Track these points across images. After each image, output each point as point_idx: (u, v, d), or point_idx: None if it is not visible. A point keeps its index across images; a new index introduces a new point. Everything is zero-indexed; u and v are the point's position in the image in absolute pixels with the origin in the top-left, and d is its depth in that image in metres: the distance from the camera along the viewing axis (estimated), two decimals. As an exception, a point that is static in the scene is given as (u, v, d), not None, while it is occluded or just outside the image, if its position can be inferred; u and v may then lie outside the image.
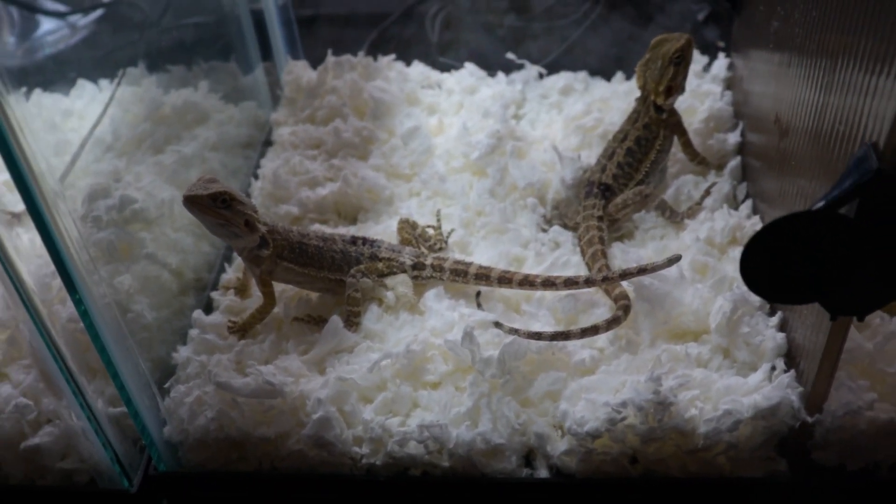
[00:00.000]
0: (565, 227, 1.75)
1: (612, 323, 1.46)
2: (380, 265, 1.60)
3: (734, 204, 1.74)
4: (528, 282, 1.54)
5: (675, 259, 1.44)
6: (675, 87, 1.75)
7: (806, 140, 1.36)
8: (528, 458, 1.42)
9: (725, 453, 1.36)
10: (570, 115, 1.99)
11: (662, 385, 1.33)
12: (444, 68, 2.23)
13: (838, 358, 1.28)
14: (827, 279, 1.15)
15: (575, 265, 1.65)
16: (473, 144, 1.86)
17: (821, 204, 1.10)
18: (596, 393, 1.39)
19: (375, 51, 2.32)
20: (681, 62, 1.73)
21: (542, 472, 1.40)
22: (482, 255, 1.70)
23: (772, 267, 1.14)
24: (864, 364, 1.37)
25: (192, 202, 1.45)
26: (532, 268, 1.66)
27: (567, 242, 1.71)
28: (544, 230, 1.75)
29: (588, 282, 1.51)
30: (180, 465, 1.44)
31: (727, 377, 1.41)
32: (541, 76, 2.17)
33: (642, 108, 1.80)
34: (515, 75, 2.17)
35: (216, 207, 1.46)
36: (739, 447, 1.35)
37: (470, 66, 2.18)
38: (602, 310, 1.53)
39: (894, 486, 1.36)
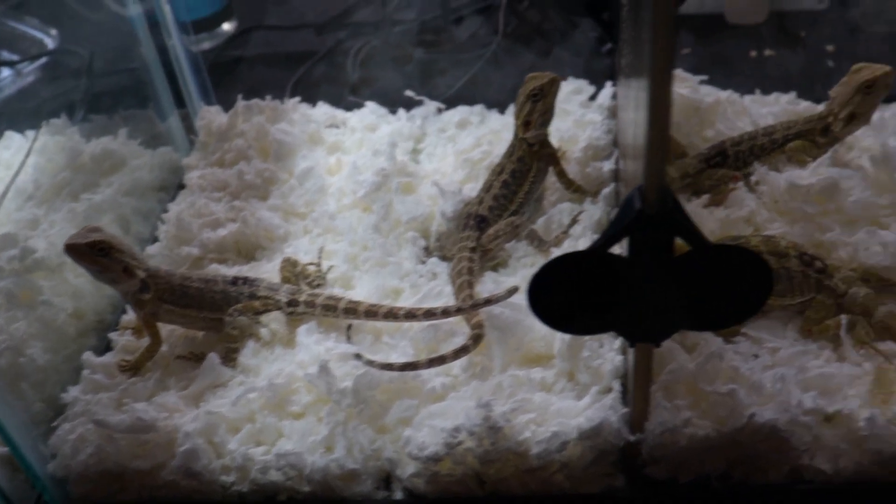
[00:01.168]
0: (444, 258, 1.88)
1: (459, 352, 1.59)
2: (256, 303, 1.74)
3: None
4: (392, 314, 1.67)
5: (512, 290, 1.57)
6: (533, 121, 1.87)
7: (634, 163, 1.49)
8: (388, 480, 1.55)
9: (560, 472, 1.48)
10: (460, 148, 2.13)
11: (493, 410, 1.46)
12: (356, 106, 2.37)
13: (648, 380, 1.41)
14: (617, 311, 1.28)
15: (447, 295, 1.77)
16: (360, 182, 1.99)
17: (595, 243, 1.23)
18: (440, 419, 1.51)
19: (300, 90, 2.47)
20: (538, 99, 1.86)
21: (398, 494, 1.52)
22: (364, 288, 1.83)
23: (562, 301, 1.27)
24: (687, 383, 1.49)
25: (71, 250, 1.61)
26: (408, 299, 1.79)
27: (443, 273, 1.84)
28: (423, 262, 1.88)
29: (445, 313, 1.64)
30: (68, 499, 1.58)
31: (564, 400, 1.54)
32: (439, 111, 2.31)
33: (516, 141, 1.94)
34: (416, 111, 2.30)
35: (94, 255, 1.61)
36: (572, 466, 1.47)
37: (371, 105, 2.32)
38: (460, 338, 1.66)
39: (723, 495, 1.48)
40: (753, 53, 2.44)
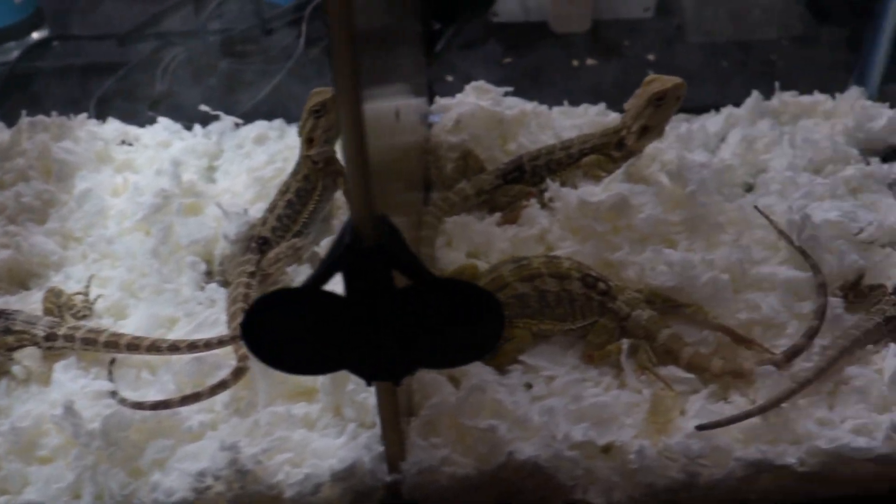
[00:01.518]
0: (225, 284, 1.77)
1: (217, 388, 1.48)
2: (10, 339, 1.60)
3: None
4: (155, 347, 1.55)
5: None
6: (316, 138, 1.77)
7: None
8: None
9: (316, 516, 1.37)
10: (253, 165, 2.01)
11: (241, 452, 1.35)
12: (154, 122, 2.23)
13: (396, 418, 1.31)
14: (343, 349, 1.18)
15: (223, 324, 1.66)
16: (140, 204, 1.86)
17: (307, 280, 1.13)
18: (191, 461, 1.40)
19: (105, 104, 2.33)
20: (321, 115, 1.76)
21: (154, 542, 1.40)
22: (137, 317, 1.70)
23: (283, 340, 1.17)
24: (450, 417, 1.40)
25: None
26: (183, 328, 1.67)
27: (222, 300, 1.72)
28: (202, 288, 1.76)
29: (208, 345, 1.53)
30: None
31: (326, 437, 1.43)
32: (237, 126, 2.19)
33: (301, 159, 1.83)
34: (213, 126, 2.18)
35: None
36: (331, 509, 1.37)
37: (164, 121, 2.19)
38: (226, 371, 1.55)
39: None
40: (576, 63, 2.38)
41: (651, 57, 2.38)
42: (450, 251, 1.74)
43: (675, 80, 1.76)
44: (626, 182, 1.78)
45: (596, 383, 1.52)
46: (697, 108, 2.12)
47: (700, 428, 1.37)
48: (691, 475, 1.36)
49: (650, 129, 1.79)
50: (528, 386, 1.50)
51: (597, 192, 1.71)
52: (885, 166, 1.94)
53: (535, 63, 2.32)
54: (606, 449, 1.40)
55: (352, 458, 1.34)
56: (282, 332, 1.16)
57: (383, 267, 1.09)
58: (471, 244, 1.75)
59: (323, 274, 1.11)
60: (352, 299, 1.11)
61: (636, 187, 1.73)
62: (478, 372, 1.45)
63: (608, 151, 1.82)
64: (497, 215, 1.81)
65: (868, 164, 1.96)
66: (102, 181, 2.01)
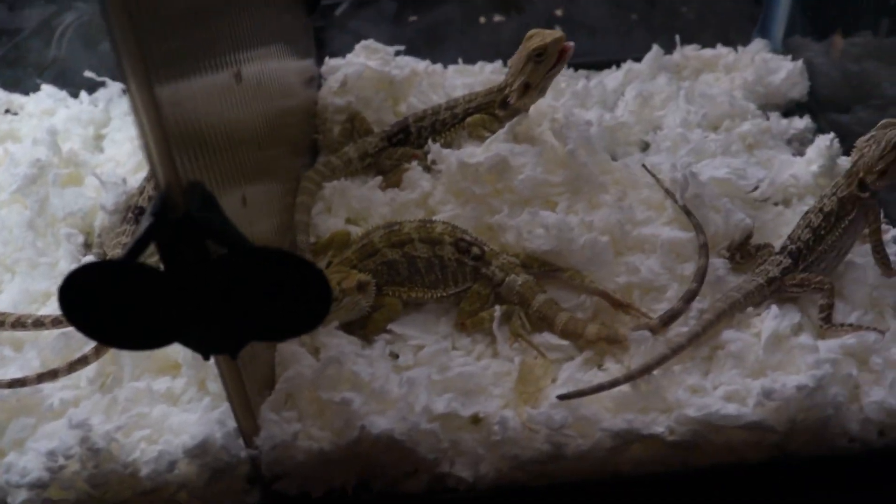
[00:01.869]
0: (103, 256, 1.71)
1: (76, 364, 1.43)
2: None
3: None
4: (20, 323, 1.50)
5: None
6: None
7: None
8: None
9: (183, 491, 1.33)
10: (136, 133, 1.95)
11: (93, 430, 1.30)
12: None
13: (243, 392, 1.27)
14: (173, 322, 1.13)
15: (94, 298, 1.60)
16: (15, 175, 1.80)
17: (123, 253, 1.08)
18: (47, 441, 1.34)
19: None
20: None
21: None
22: (11, 292, 1.64)
23: (108, 314, 1.12)
24: (307, 391, 1.35)
25: None
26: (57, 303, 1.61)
27: (96, 273, 1.66)
28: (79, 261, 1.70)
29: (69, 322, 1.47)
30: None
31: (186, 413, 1.39)
32: (124, 92, 2.11)
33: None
34: (100, 93, 2.11)
35: None
36: (192, 486, 1.32)
37: (48, 88, 2.11)
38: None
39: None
40: (482, 20, 2.32)
41: (558, 12, 2.31)
42: (329, 217, 1.69)
43: (556, 33, 1.70)
44: (513, 142, 1.72)
45: (467, 352, 1.48)
46: (601, 64, 2.07)
47: (561, 397, 1.33)
48: (557, 446, 1.31)
49: (532, 86, 1.73)
50: (395, 356, 1.45)
51: (477, 153, 1.66)
52: (784, 121, 1.91)
53: (441, 20, 2.26)
54: (475, 420, 1.36)
55: (203, 434, 1.29)
56: (106, 305, 1.10)
57: (194, 237, 1.04)
58: (350, 210, 1.70)
59: (134, 247, 1.05)
60: (169, 271, 1.06)
61: (518, 147, 1.67)
62: (337, 343, 1.41)
63: (492, 110, 1.77)
64: (380, 179, 1.74)
65: (767, 118, 1.91)
66: (-23, 152, 1.95)
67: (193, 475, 1.32)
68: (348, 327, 1.49)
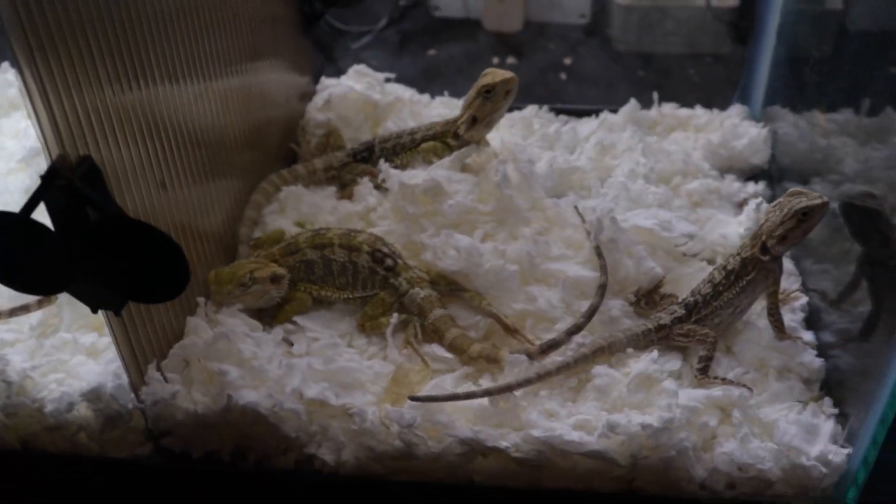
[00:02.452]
0: None
1: (17, 310, 1.64)
2: None
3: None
4: None
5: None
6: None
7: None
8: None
9: (82, 433, 1.51)
10: None
11: (9, 364, 1.52)
12: None
13: (130, 348, 1.46)
14: (62, 275, 1.33)
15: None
16: (23, 146, 2.02)
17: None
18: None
19: None
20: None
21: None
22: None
23: (4, 257, 1.32)
24: (199, 360, 1.53)
25: None
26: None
27: None
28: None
29: None
30: None
31: (98, 365, 1.58)
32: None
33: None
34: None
35: None
36: (90, 429, 1.51)
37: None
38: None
39: (234, 474, 1.52)
40: (496, 60, 2.47)
41: (567, 61, 2.44)
42: (279, 218, 1.87)
43: (506, 74, 1.83)
44: (459, 171, 1.86)
45: (360, 351, 1.62)
46: (583, 112, 2.17)
47: (413, 398, 1.45)
48: (408, 444, 1.43)
49: (479, 120, 1.87)
50: (290, 344, 1.61)
51: (419, 175, 1.80)
52: (737, 184, 1.96)
53: (457, 57, 2.42)
54: (347, 411, 1.49)
55: (98, 382, 1.48)
56: (4, 250, 1.30)
57: (74, 202, 1.24)
58: (300, 214, 1.87)
59: (28, 203, 1.26)
60: (57, 229, 1.26)
61: (457, 175, 1.81)
62: (234, 322, 1.57)
63: (446, 139, 1.91)
64: (334, 190, 1.92)
65: (723, 179, 1.97)
66: None
67: (91, 419, 1.50)
68: (259, 313, 1.66)
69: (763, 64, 2.08)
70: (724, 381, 1.50)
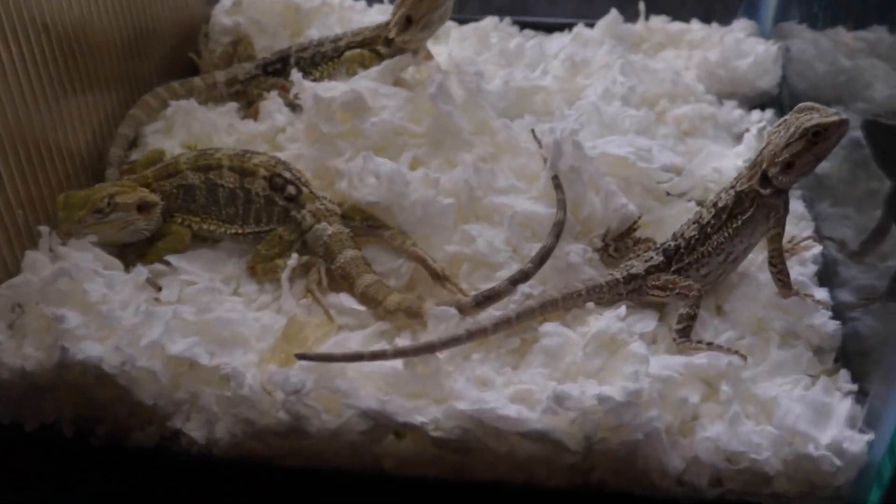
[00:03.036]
0: None
1: None
2: None
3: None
4: None
5: None
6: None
7: None
8: None
9: None
10: None
11: None
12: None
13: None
14: None
15: None
16: None
17: None
18: None
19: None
20: None
21: None
22: None
23: None
24: (35, 304, 1.30)
25: None
26: None
27: None
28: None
29: None
30: None
31: None
32: None
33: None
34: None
35: None
36: None
37: None
38: None
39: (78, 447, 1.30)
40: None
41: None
42: (164, 139, 1.66)
43: None
44: (395, 87, 1.61)
45: (249, 300, 1.40)
46: (553, 26, 1.96)
47: (300, 357, 1.22)
48: (295, 416, 1.20)
49: (413, 20, 1.64)
50: (158, 288, 1.37)
51: (338, 88, 1.55)
52: (739, 111, 1.75)
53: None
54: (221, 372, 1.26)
55: None
56: None
57: None
58: (190, 134, 1.66)
59: None
60: None
61: (385, 88, 1.58)
62: (81, 257, 1.34)
63: (376, 47, 1.67)
64: (236, 107, 1.70)
65: (720, 105, 1.75)
66: None
67: None
68: (123, 250, 1.44)
69: None
70: (711, 346, 1.30)
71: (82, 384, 1.24)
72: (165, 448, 1.27)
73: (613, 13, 1.91)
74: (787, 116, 1.36)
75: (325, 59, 1.71)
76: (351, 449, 1.23)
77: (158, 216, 1.44)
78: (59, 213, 1.38)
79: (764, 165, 1.34)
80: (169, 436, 1.28)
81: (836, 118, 1.31)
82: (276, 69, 1.75)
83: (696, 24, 1.98)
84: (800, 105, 1.36)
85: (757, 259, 1.43)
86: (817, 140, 1.31)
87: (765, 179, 1.34)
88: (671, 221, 1.51)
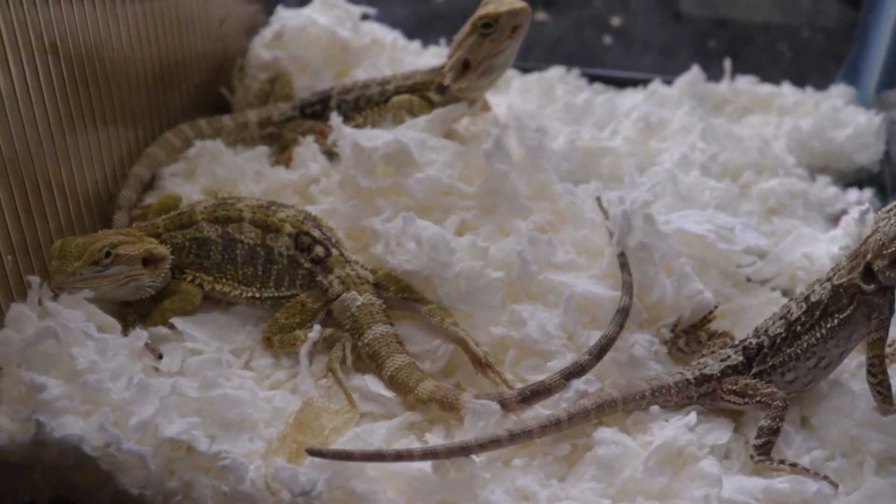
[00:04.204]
0: None
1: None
2: None
3: None
4: None
5: None
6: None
7: None
8: None
9: None
10: None
11: None
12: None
13: None
14: None
15: None
16: None
17: None
18: None
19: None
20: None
21: None
22: None
23: None
24: (17, 364, 1.20)
25: None
26: None
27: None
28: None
29: None
30: None
31: None
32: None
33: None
34: None
35: None
36: None
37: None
38: None
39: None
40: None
41: (615, 20, 2.10)
42: (184, 182, 1.58)
43: (517, 3, 1.52)
44: (446, 139, 1.52)
45: (261, 377, 1.31)
46: (626, 81, 1.89)
47: (311, 452, 1.11)
48: (307, 521, 1.10)
49: (472, 65, 1.54)
50: (158, 355, 1.26)
51: (382, 136, 1.45)
52: (833, 189, 1.63)
53: (470, 4, 2.08)
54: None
55: None
56: None
57: None
58: (213, 179, 1.60)
59: None
60: None
61: (434, 140, 1.49)
62: (72, 315, 1.24)
63: (427, 93, 1.58)
64: (268, 151, 1.64)
65: (814, 181, 1.67)
66: None
67: None
68: (122, 306, 1.34)
69: (882, 33, 1.78)
70: (795, 468, 1.18)
71: (60, 465, 1.14)
72: (151, 547, 1.16)
73: (695, 70, 1.83)
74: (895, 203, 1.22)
75: (369, 103, 1.62)
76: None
77: (167, 272, 1.34)
78: (52, 263, 1.28)
79: (869, 257, 1.23)
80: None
81: None
82: (316, 112, 1.66)
83: (787, 88, 1.89)
84: None
85: (851, 364, 1.31)
86: (934, 233, 1.18)
87: (868, 274, 1.23)
88: (753, 313, 1.42)
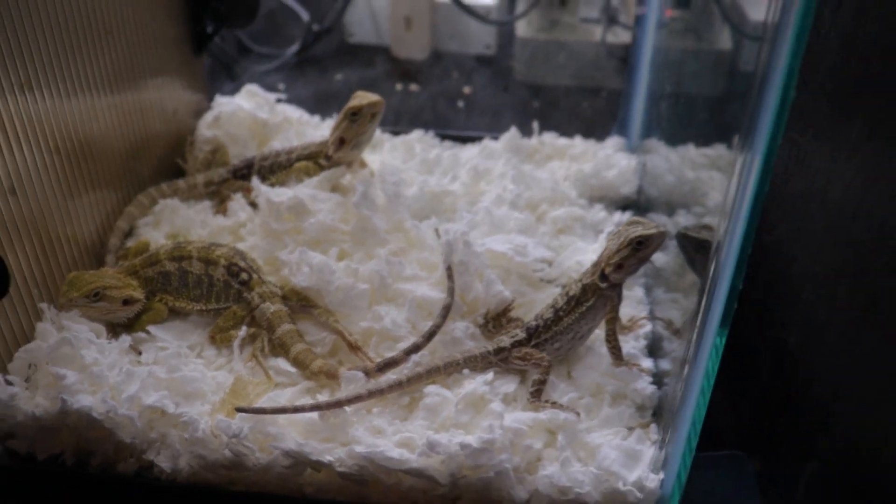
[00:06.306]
0: None
1: None
2: None
3: None
4: None
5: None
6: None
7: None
8: None
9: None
10: None
11: None
12: None
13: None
14: None
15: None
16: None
17: None
18: None
19: None
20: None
21: None
22: None
23: None
24: (44, 364, 1.52)
25: None
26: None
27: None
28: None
29: None
30: None
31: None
32: None
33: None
34: None
35: None
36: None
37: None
38: None
39: (78, 478, 1.50)
40: (399, 86, 2.47)
41: (467, 90, 2.44)
42: (153, 230, 1.87)
43: (373, 97, 1.84)
44: (329, 191, 1.86)
45: (209, 363, 1.61)
46: (467, 138, 2.19)
47: (239, 410, 1.44)
48: (236, 454, 1.42)
49: (346, 142, 1.87)
50: (139, 353, 1.60)
51: (286, 193, 1.80)
52: (603, 213, 1.96)
53: (362, 81, 2.43)
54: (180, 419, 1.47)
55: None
56: None
57: None
58: (173, 226, 1.87)
59: None
60: None
61: (322, 194, 1.81)
62: (78, 328, 1.56)
63: (318, 159, 1.91)
64: (209, 205, 1.92)
65: (591, 207, 1.98)
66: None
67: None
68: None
69: (639, 97, 2.07)
70: (554, 404, 1.49)
71: (78, 426, 1.45)
72: (142, 476, 1.48)
73: (513, 130, 2.12)
74: (619, 227, 1.60)
75: (279, 167, 1.95)
76: (279, 479, 1.44)
77: (138, 308, 1.66)
78: (63, 287, 1.60)
79: (602, 265, 1.58)
80: (146, 466, 1.48)
81: (653, 231, 1.53)
82: (244, 174, 1.98)
83: (578, 140, 2.18)
84: (630, 218, 1.60)
85: (601, 334, 1.62)
86: (640, 248, 1.53)
87: (603, 276, 1.57)
88: (541, 304, 1.70)
